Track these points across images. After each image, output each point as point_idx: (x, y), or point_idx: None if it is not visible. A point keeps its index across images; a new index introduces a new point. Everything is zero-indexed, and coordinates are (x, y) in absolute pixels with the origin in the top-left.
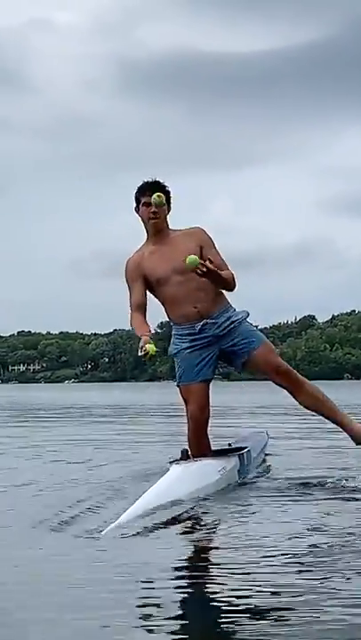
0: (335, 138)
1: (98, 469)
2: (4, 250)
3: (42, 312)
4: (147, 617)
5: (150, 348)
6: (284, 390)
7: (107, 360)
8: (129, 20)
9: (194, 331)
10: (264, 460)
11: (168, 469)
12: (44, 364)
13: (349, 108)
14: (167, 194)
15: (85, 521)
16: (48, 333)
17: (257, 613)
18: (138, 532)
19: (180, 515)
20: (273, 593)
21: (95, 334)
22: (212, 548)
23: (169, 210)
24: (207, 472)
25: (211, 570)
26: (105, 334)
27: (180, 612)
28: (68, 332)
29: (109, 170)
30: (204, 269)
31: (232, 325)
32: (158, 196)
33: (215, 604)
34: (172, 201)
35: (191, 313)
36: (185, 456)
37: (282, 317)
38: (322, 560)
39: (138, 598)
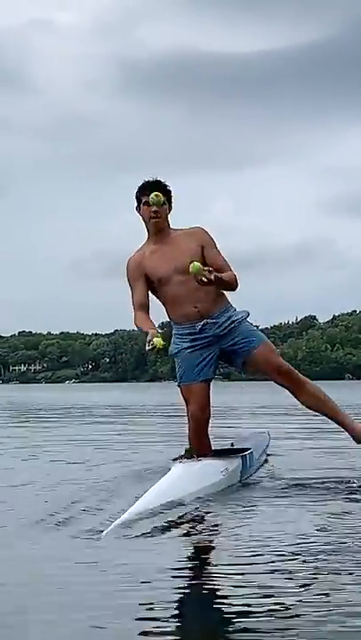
0: (336, 138)
1: (98, 469)
2: (4, 250)
3: (42, 312)
4: (147, 618)
5: (158, 341)
6: (286, 390)
7: (107, 360)
8: (129, 20)
9: (194, 330)
10: (266, 461)
11: (170, 468)
12: (45, 365)
13: (350, 108)
14: (168, 193)
15: (86, 521)
16: (49, 333)
17: (259, 614)
18: (138, 532)
19: (181, 515)
20: (275, 594)
21: (96, 334)
22: (213, 549)
23: (170, 209)
24: (210, 472)
25: (212, 570)
26: (106, 334)
27: (182, 614)
28: (68, 333)
29: (110, 170)
30: (206, 279)
31: (232, 325)
32: (156, 195)
33: (216, 604)
34: (173, 200)
35: (192, 313)
36: (188, 455)
37: (283, 318)
38: (324, 561)
39: (138, 599)
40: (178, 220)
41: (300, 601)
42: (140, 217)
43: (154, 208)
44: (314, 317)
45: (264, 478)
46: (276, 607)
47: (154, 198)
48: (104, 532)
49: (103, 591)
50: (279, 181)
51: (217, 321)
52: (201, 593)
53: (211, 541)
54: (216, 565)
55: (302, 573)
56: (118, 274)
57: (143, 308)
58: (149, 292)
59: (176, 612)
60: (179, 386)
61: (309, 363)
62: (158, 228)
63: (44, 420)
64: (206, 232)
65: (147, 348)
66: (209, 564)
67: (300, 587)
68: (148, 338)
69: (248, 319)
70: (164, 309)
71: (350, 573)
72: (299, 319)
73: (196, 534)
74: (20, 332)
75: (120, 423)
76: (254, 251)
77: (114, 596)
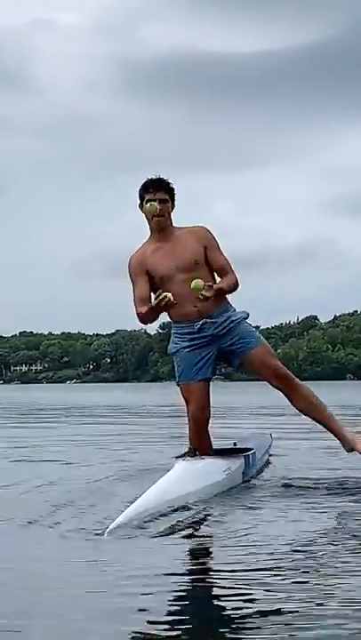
0: (337, 138)
1: (98, 469)
2: (5, 250)
3: (44, 312)
4: (148, 620)
5: (169, 294)
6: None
7: (108, 360)
8: (130, 20)
9: (193, 330)
10: (268, 461)
11: (173, 465)
12: (46, 365)
13: (351, 108)
14: (171, 191)
15: (86, 520)
16: (50, 334)
17: (259, 615)
18: (140, 532)
19: (182, 514)
20: (276, 594)
21: (97, 335)
22: (214, 549)
23: (173, 207)
24: (212, 471)
25: (213, 571)
26: (107, 335)
27: (182, 614)
28: (69, 333)
29: (110, 170)
30: (207, 295)
31: (231, 325)
32: (150, 204)
33: (217, 605)
34: (176, 198)
35: (191, 312)
36: (192, 453)
37: (284, 318)
38: (325, 561)
39: (139, 599)
40: (179, 220)
41: (300, 601)
42: (143, 214)
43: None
44: (315, 317)
45: (266, 478)
46: (277, 608)
47: (148, 207)
48: (106, 531)
49: (103, 591)
50: (280, 182)
51: (216, 321)
52: (202, 594)
53: (212, 541)
54: (217, 565)
55: (303, 574)
56: (119, 274)
57: (145, 302)
58: (150, 291)
59: (176, 612)
60: (178, 385)
61: (310, 363)
62: (161, 226)
63: (45, 420)
64: (209, 231)
65: (156, 300)
66: (210, 564)
67: (301, 587)
68: (159, 295)
69: (247, 320)
70: None
71: (352, 574)
72: (300, 319)
73: (196, 534)
74: (21, 333)
75: (120, 423)
76: (256, 251)
77: (114, 597)
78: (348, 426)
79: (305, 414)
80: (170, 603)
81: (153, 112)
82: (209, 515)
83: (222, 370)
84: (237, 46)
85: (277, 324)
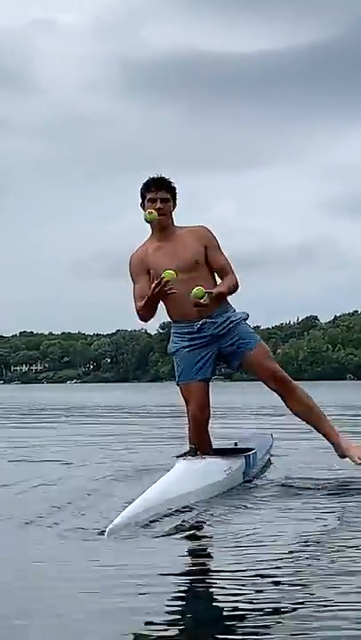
0: (337, 139)
1: (99, 469)
2: (5, 250)
3: (44, 312)
4: (148, 621)
5: (167, 273)
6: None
7: (109, 361)
8: (130, 20)
9: (192, 329)
10: (270, 462)
11: (174, 465)
12: (47, 365)
13: (351, 108)
14: (173, 190)
15: (86, 520)
16: (50, 334)
17: (260, 615)
18: (140, 532)
19: (182, 514)
20: (276, 595)
21: (97, 335)
22: (214, 549)
23: (174, 206)
24: (213, 470)
25: (213, 571)
26: (107, 335)
27: (182, 614)
28: (70, 333)
29: (111, 170)
30: (207, 302)
31: (231, 325)
32: (150, 212)
33: (218, 605)
34: (177, 197)
35: (191, 312)
36: (193, 452)
37: (284, 318)
38: (325, 561)
39: (139, 600)
40: (179, 220)
41: (301, 602)
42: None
43: (158, 205)
44: (315, 317)
45: (266, 478)
46: (277, 608)
47: (147, 215)
48: (106, 531)
49: (103, 591)
50: (281, 182)
51: (216, 321)
52: (202, 594)
53: (212, 541)
54: (217, 565)
55: (304, 574)
56: (120, 274)
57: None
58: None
59: (176, 612)
60: (178, 385)
61: (311, 363)
62: (162, 225)
63: (45, 420)
64: (210, 231)
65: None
66: (210, 564)
67: (302, 587)
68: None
69: (247, 321)
70: (165, 307)
71: (352, 574)
72: (300, 319)
73: (197, 534)
74: (21, 333)
75: (121, 423)
76: (256, 251)
77: (114, 597)
78: (348, 425)
79: (300, 418)
80: (170, 603)
81: (153, 112)
82: (209, 514)
83: (222, 370)
84: (237, 46)
85: (278, 324)
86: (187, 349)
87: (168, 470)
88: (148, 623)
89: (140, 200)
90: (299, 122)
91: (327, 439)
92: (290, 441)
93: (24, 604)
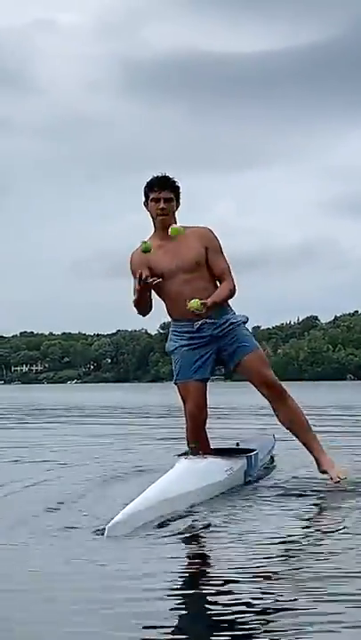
0: (338, 139)
1: (99, 469)
2: (5, 250)
3: (44, 313)
4: (148, 625)
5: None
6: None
7: (109, 361)
8: (132, 20)
9: (192, 329)
10: (272, 462)
11: (175, 464)
12: (47, 365)
13: (353, 108)
14: (176, 190)
15: (85, 520)
16: (51, 334)
17: (260, 616)
18: (139, 531)
19: (182, 513)
20: (277, 595)
21: (98, 335)
22: (215, 549)
23: (178, 206)
24: (214, 470)
25: (213, 571)
26: (107, 335)
27: (182, 615)
28: (70, 333)
29: (111, 170)
30: (204, 311)
31: (230, 327)
32: (144, 244)
33: (218, 605)
34: (180, 197)
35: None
36: (194, 452)
37: (285, 318)
38: (326, 562)
39: (139, 600)
40: (180, 220)
41: (301, 603)
42: (148, 212)
43: (162, 205)
44: (316, 318)
45: (268, 479)
46: (278, 609)
47: (144, 246)
48: (105, 529)
49: (103, 591)
50: (281, 182)
51: (215, 322)
52: (202, 594)
53: (212, 541)
54: (217, 566)
55: (304, 575)
56: (120, 274)
57: None
58: (151, 289)
59: (176, 612)
60: (176, 383)
61: (311, 363)
62: (165, 224)
63: (46, 420)
64: (212, 232)
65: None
66: (210, 564)
67: (302, 588)
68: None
69: (246, 325)
70: (165, 306)
71: (353, 575)
72: (301, 319)
73: (197, 534)
74: (21, 333)
75: (121, 423)
76: (256, 251)
77: (114, 597)
78: (349, 425)
79: (286, 427)
80: (170, 603)
81: (154, 112)
82: (210, 514)
83: (222, 370)
84: (239, 46)
85: (278, 325)
86: (185, 348)
87: (170, 468)
88: (147, 623)
89: (143, 199)
90: (300, 122)
91: (311, 453)
92: (291, 441)
93: (24, 605)
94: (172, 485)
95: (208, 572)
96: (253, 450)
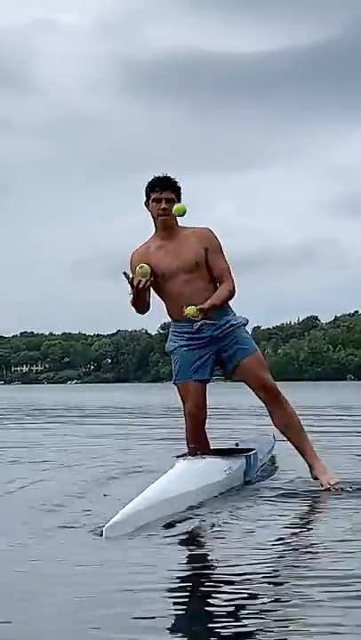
0: (339, 139)
1: (99, 468)
2: (6, 250)
3: (44, 313)
4: (147, 620)
5: (145, 268)
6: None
7: (109, 361)
8: (132, 20)
9: (191, 329)
10: (270, 462)
11: (174, 464)
12: (47, 365)
13: (353, 108)
14: (178, 190)
15: (85, 520)
16: (51, 334)
17: (260, 617)
18: (138, 531)
19: (182, 513)
20: (277, 596)
21: (98, 335)
22: (214, 549)
23: None
24: (213, 470)
25: (213, 571)
26: (108, 335)
27: (182, 615)
28: (70, 333)
29: (111, 170)
30: (200, 317)
31: (230, 328)
32: (142, 268)
33: (218, 606)
34: (182, 197)
35: None
36: (193, 452)
37: (285, 318)
38: (326, 562)
39: (138, 600)
40: (180, 220)
41: (302, 603)
42: (149, 212)
43: (163, 205)
44: (316, 318)
45: (267, 479)
46: (278, 609)
47: (140, 272)
48: (104, 530)
49: (102, 591)
50: (281, 182)
51: (215, 323)
52: (201, 594)
53: (212, 541)
54: (217, 566)
55: (305, 575)
56: (120, 274)
57: None
58: (151, 288)
59: (176, 612)
60: (175, 384)
61: (311, 363)
62: (166, 225)
63: (46, 420)
64: (212, 233)
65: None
66: (210, 564)
67: (303, 589)
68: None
69: (246, 327)
70: (165, 306)
71: (353, 576)
72: (301, 319)
73: (196, 534)
74: (21, 333)
75: (121, 424)
76: (256, 251)
77: (113, 597)
78: (348, 425)
79: (282, 432)
80: (169, 603)
81: (154, 112)
82: (210, 514)
83: (222, 370)
84: (239, 46)
85: (278, 325)
86: (185, 348)
87: (169, 469)
88: (146, 623)
89: (144, 199)
90: (300, 122)
91: (304, 458)
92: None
93: (23, 604)
94: (171, 485)
95: (208, 572)
96: (253, 450)
